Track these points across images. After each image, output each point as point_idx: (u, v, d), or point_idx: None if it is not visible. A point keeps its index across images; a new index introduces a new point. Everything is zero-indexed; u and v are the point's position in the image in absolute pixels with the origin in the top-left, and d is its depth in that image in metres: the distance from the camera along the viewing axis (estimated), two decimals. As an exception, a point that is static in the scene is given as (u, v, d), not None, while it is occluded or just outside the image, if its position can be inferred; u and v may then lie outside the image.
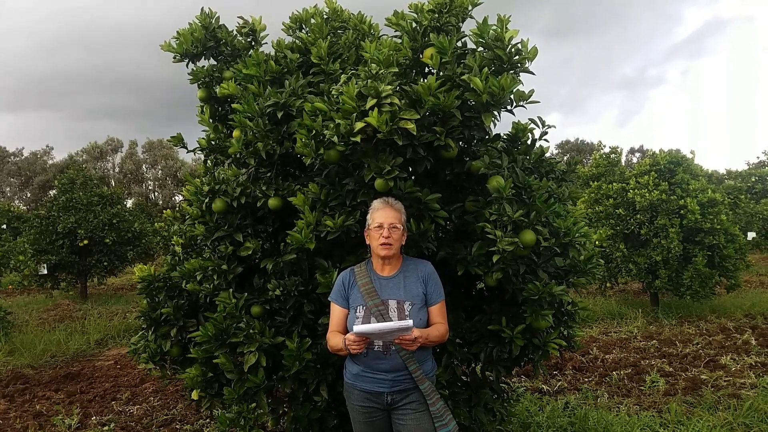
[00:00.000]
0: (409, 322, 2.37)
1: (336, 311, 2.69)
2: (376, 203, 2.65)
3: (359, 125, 2.50)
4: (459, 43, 2.91)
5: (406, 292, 2.61)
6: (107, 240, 12.34)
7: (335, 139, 2.56)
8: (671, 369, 5.99)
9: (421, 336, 2.46)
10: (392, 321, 2.52)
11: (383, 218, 2.59)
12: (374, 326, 2.39)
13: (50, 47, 71.31)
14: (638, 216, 8.86)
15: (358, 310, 2.60)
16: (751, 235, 11.29)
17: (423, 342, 2.49)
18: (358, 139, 2.53)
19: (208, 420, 4.83)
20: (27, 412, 5.31)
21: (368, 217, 2.67)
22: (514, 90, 2.63)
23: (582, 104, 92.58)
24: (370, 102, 2.50)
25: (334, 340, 2.60)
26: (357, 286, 2.64)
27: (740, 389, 5.22)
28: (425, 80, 2.66)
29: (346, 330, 2.66)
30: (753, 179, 19.04)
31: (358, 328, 2.39)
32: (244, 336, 2.96)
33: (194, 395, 3.32)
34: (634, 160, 45.45)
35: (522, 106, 2.75)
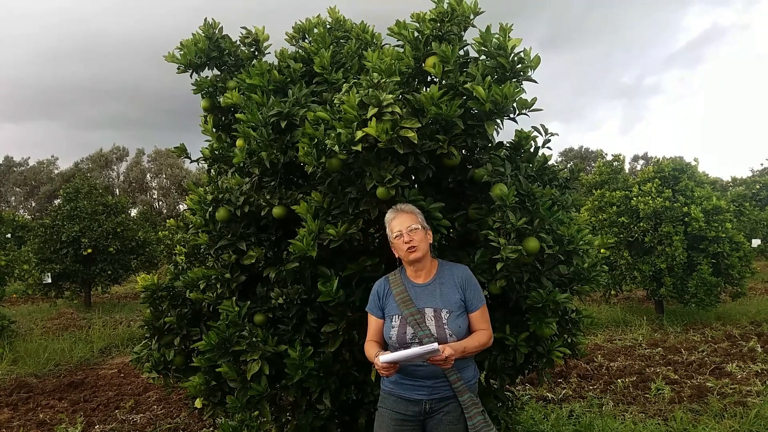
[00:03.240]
0: (435, 345, 2.29)
1: (372, 322, 2.65)
2: (389, 215, 2.61)
3: (359, 134, 2.51)
4: (461, 52, 2.92)
5: (443, 299, 2.54)
6: (111, 249, 12.38)
7: (336, 148, 2.57)
8: (676, 376, 5.96)
9: (455, 352, 2.38)
10: (430, 330, 2.47)
11: (400, 225, 2.54)
12: (399, 355, 2.33)
13: (49, 57, 71.69)
14: (642, 224, 8.84)
15: (393, 320, 2.54)
16: (755, 242, 11.24)
17: (460, 356, 2.42)
18: (359, 148, 2.54)
19: (211, 428, 4.82)
20: (30, 420, 5.32)
21: (387, 231, 2.62)
22: (517, 98, 2.64)
23: (580, 113, 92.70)
24: (371, 111, 2.50)
25: (370, 351, 2.58)
26: (392, 295, 2.59)
27: (746, 397, 5.18)
28: (428, 89, 2.67)
29: (383, 340, 2.62)
30: (757, 186, 18.97)
31: (384, 357, 2.34)
32: (247, 344, 2.96)
33: (197, 404, 3.32)
34: (638, 167, 45.36)
35: (525, 114, 2.76)
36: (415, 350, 2.31)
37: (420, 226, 2.55)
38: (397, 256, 2.63)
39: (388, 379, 2.58)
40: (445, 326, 2.48)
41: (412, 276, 2.62)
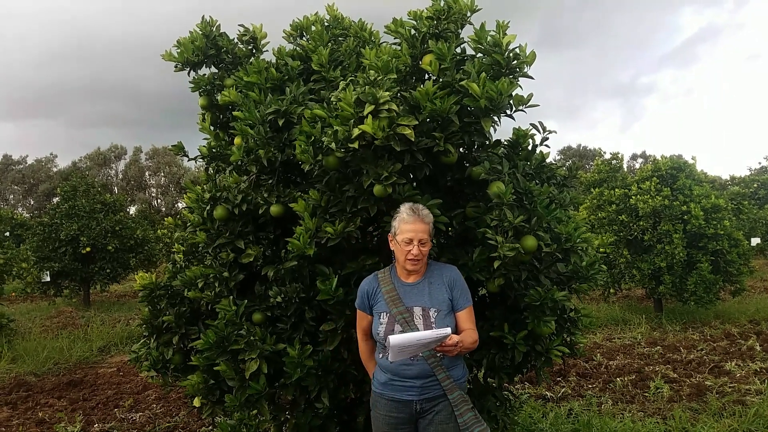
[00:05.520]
0: (447, 330, 2.28)
1: (361, 318, 2.69)
2: (406, 214, 2.52)
3: (356, 132, 2.50)
4: (458, 50, 2.91)
5: (432, 298, 2.55)
6: (110, 247, 12.37)
7: (333, 145, 2.56)
8: (675, 375, 5.96)
9: (461, 341, 2.37)
10: (418, 329, 2.45)
11: (413, 233, 2.49)
12: (410, 336, 2.25)
13: (47, 57, 71.78)
14: (641, 222, 8.84)
15: (381, 317, 2.55)
16: (754, 240, 11.25)
17: (459, 349, 2.38)
18: (355, 145, 2.53)
19: (210, 427, 4.82)
20: (30, 419, 5.31)
21: (394, 224, 2.55)
22: (513, 94, 2.63)
23: (577, 112, 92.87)
24: (368, 108, 2.49)
25: (363, 347, 2.74)
26: (381, 293, 2.59)
27: (745, 395, 5.19)
28: (424, 86, 2.66)
29: (370, 336, 2.66)
30: (755, 185, 18.99)
31: (394, 338, 2.24)
32: (245, 343, 2.95)
33: (196, 402, 3.31)
34: (636, 165, 45.37)
35: (521, 110, 2.75)
36: (427, 333, 2.27)
37: (429, 237, 2.54)
38: (391, 248, 2.62)
39: (379, 380, 2.61)
40: (433, 324, 2.48)
41: (402, 275, 2.63)
